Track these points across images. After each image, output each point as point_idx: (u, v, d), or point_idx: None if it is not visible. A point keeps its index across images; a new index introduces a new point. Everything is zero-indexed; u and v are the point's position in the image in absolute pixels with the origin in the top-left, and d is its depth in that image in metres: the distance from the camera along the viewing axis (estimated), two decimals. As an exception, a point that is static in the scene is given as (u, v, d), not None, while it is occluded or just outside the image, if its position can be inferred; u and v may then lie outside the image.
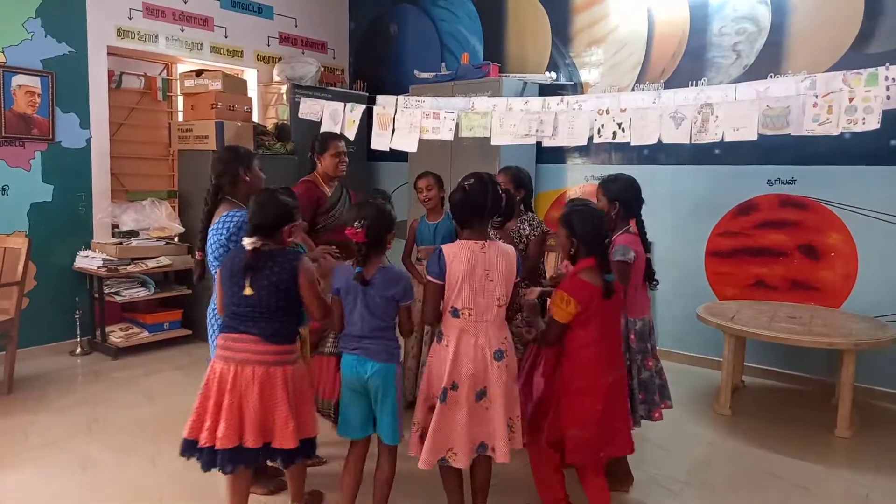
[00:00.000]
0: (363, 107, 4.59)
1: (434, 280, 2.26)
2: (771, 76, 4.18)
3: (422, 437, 2.26)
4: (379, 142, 4.50)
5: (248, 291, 2.23)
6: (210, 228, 2.61)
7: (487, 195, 2.28)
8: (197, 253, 2.73)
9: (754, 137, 3.16)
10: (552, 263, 4.11)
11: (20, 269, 3.86)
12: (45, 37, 4.49)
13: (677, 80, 4.65)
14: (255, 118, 5.67)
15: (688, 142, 3.36)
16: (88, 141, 4.79)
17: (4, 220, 4.37)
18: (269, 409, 2.21)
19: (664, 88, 4.33)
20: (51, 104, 4.53)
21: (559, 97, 3.97)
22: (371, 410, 2.34)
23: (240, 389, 2.20)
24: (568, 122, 3.76)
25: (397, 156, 5.07)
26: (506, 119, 3.99)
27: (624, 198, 2.78)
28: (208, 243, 2.61)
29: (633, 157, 4.94)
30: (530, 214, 3.28)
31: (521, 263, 2.39)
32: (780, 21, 4.29)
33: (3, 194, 4.38)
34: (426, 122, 4.28)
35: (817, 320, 3.73)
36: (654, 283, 2.88)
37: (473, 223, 2.28)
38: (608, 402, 2.31)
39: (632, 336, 2.74)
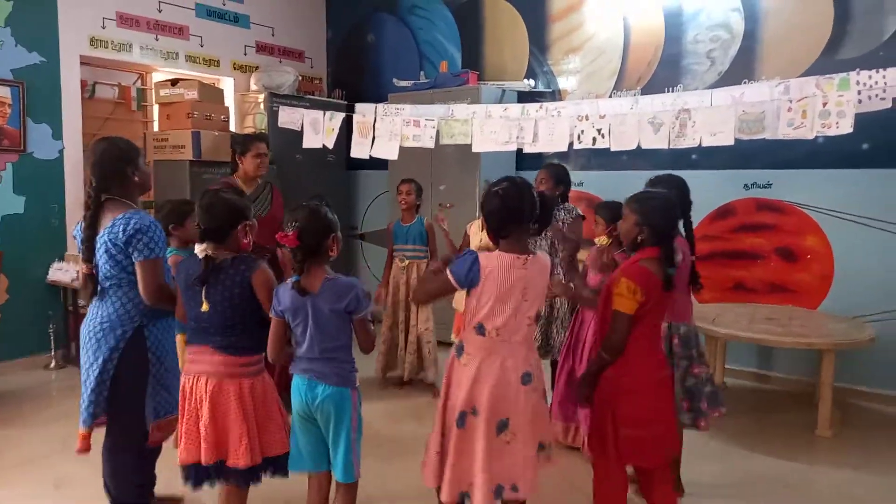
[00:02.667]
0: (342, 115, 4.58)
1: (453, 280, 2.01)
2: (745, 82, 4.24)
3: (439, 465, 2.06)
4: (359, 150, 4.48)
5: (204, 307, 2.10)
6: (99, 235, 2.22)
7: (524, 200, 2.02)
8: (83, 266, 2.28)
9: (731, 142, 3.21)
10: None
11: (-9, 283, 3.75)
12: (16, 46, 4.40)
13: (654, 87, 4.70)
14: (232, 127, 5.62)
15: (666, 147, 3.40)
16: (61, 152, 4.70)
17: (-26, 233, 4.27)
18: (221, 425, 2.10)
19: (641, 95, 4.37)
20: (22, 115, 4.44)
21: (538, 104, 3.99)
22: (322, 440, 2.13)
23: (195, 402, 2.13)
24: (548, 129, 3.78)
25: (377, 164, 5.06)
26: (486, 126, 4.01)
27: (656, 223, 2.58)
28: (98, 252, 2.23)
29: (613, 163, 4.97)
30: (567, 204, 3.57)
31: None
32: (752, 28, 4.37)
33: (-28, 207, 4.28)
34: (407, 130, 4.27)
35: (796, 321, 3.78)
36: (699, 286, 2.71)
37: (511, 232, 2.03)
38: (661, 400, 2.20)
39: (675, 340, 2.60)
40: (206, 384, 2.11)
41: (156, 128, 5.31)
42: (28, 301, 4.57)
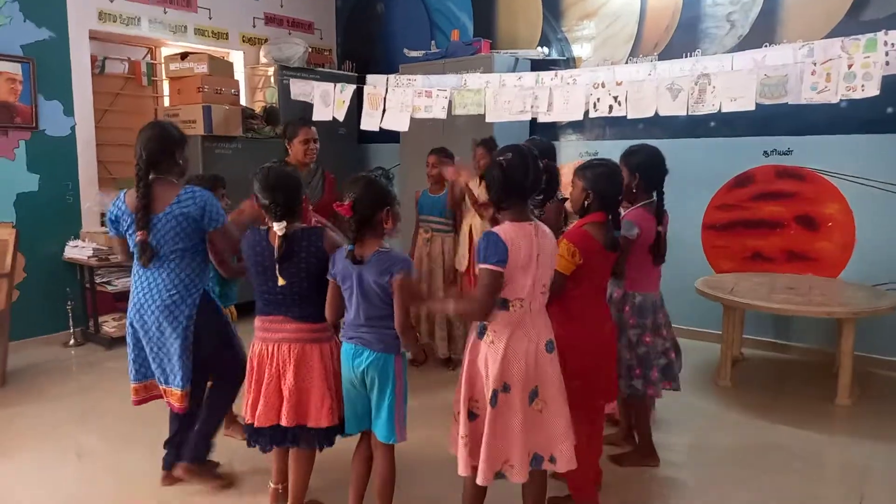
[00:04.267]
0: (353, 87, 4.51)
1: (494, 268, 1.93)
2: (766, 46, 4.13)
3: (470, 452, 2.02)
4: (369, 122, 4.42)
5: (281, 282, 2.20)
6: (164, 211, 2.39)
7: (528, 170, 1.98)
8: (139, 234, 2.39)
9: (752, 107, 3.12)
10: None
11: (8, 260, 3.79)
12: (24, 21, 4.37)
13: (671, 52, 4.59)
14: (242, 101, 5.58)
15: (685, 114, 3.32)
16: (73, 128, 4.69)
17: (-10, 211, 4.29)
18: (305, 388, 2.22)
19: (658, 61, 4.27)
20: (33, 91, 4.42)
21: (553, 72, 3.91)
22: (369, 405, 2.20)
23: (277, 367, 2.23)
24: (563, 97, 3.70)
25: (389, 137, 5.01)
26: (500, 96, 3.93)
27: (645, 170, 2.71)
28: (160, 224, 2.39)
29: (628, 132, 4.88)
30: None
31: None
32: (774, -11, 4.23)
33: (-13, 185, 4.29)
34: (418, 101, 4.21)
35: (816, 290, 3.72)
36: (660, 259, 2.74)
37: (513, 203, 2.01)
38: (602, 355, 2.35)
39: (626, 308, 2.72)
40: (290, 350, 2.22)
41: (166, 103, 5.28)
42: (45, 279, 4.61)
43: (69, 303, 4.65)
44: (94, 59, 4.93)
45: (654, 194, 2.73)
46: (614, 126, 4.93)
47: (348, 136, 5.98)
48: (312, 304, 2.24)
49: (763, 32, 4.26)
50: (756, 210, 4.44)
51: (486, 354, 2.01)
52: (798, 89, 3.01)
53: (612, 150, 4.89)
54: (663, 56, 4.60)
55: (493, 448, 1.99)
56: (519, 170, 1.98)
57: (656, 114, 3.41)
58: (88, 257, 4.53)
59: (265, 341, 2.27)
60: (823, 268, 4.22)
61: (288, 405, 2.19)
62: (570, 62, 5.12)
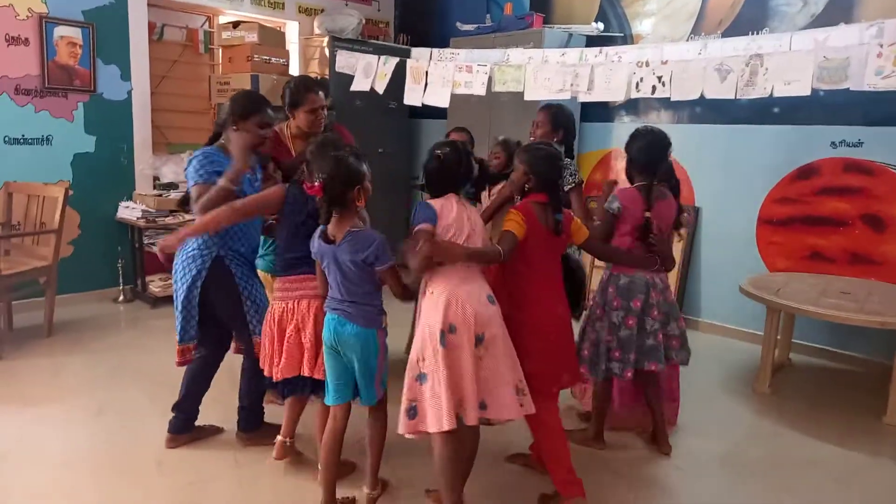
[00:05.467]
0: (396, 60, 4.43)
1: (424, 226, 2.09)
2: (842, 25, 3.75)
3: (410, 414, 2.08)
4: (411, 96, 4.33)
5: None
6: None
7: (461, 166, 2.19)
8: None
9: (807, 92, 2.82)
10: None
11: (57, 217, 3.97)
12: (85, -13, 4.53)
13: (737, 30, 4.25)
14: (297, 71, 5.62)
15: (733, 97, 3.05)
16: (130, 93, 4.85)
17: (49, 170, 4.50)
18: (319, 341, 2.28)
19: (711, 40, 3.97)
20: (92, 55, 4.59)
21: (598, 49, 3.69)
22: (351, 375, 2.23)
23: (297, 322, 2.32)
24: (605, 76, 3.49)
25: (439, 112, 4.92)
26: (540, 73, 3.75)
27: (641, 154, 2.71)
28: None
29: (685, 116, 4.61)
30: (566, 160, 3.14)
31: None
32: (856, -38, 3.83)
33: (47, 144, 4.50)
34: (458, 76, 4.08)
35: (874, 297, 3.40)
36: (646, 243, 2.66)
37: (447, 192, 2.19)
38: (559, 335, 2.34)
39: (611, 289, 2.70)
40: (309, 305, 2.31)
41: (220, 71, 5.37)
42: (99, 237, 4.83)
43: (120, 261, 4.86)
44: (152, 26, 5.06)
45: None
46: (671, 108, 4.66)
47: (399, 110, 5.92)
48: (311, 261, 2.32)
49: (839, 11, 3.88)
50: (818, 205, 4.09)
51: (430, 306, 2.10)
52: (861, 74, 2.69)
53: (674, 136, 4.65)
54: (727, 35, 4.27)
55: (451, 386, 2.03)
56: (454, 162, 2.17)
57: (702, 96, 3.16)
58: (137, 218, 4.70)
59: (285, 299, 2.35)
60: (888, 273, 3.85)
61: (309, 355, 2.30)
62: (627, 39, 4.85)
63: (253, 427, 2.78)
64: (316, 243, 2.19)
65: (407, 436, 2.10)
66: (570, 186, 3.04)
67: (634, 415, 3.00)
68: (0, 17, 4.20)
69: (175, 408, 2.76)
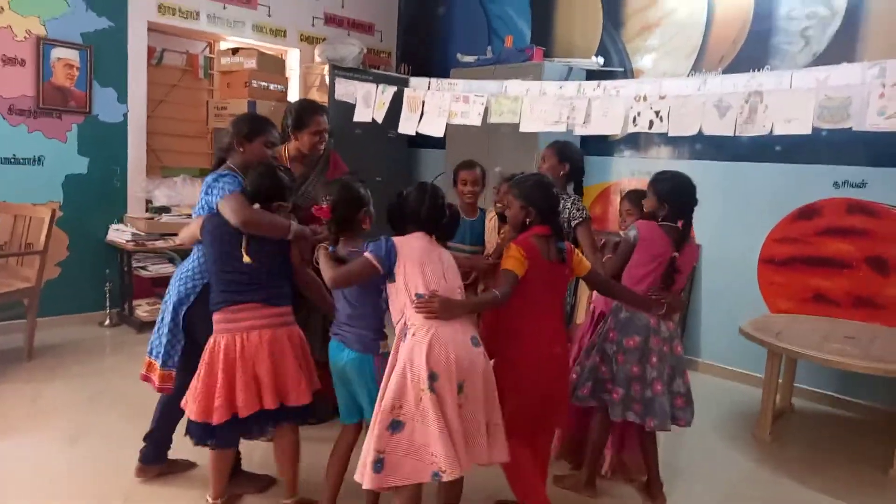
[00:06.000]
0: (394, 89, 4.40)
1: (371, 259, 2.05)
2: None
3: (375, 467, 1.90)
4: (406, 125, 4.29)
5: (246, 260, 2.22)
6: None
7: (423, 204, 2.14)
8: None
9: (808, 130, 2.76)
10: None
11: (42, 238, 3.89)
12: (86, 10, 4.52)
13: (738, 67, 4.21)
14: (296, 98, 5.60)
15: (732, 133, 2.98)
16: (125, 115, 4.82)
17: (40, 191, 4.44)
18: (281, 371, 2.23)
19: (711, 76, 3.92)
20: (89, 77, 4.57)
21: (596, 82, 3.64)
22: (355, 397, 2.24)
23: (250, 356, 2.21)
24: (602, 109, 3.43)
25: (438, 142, 4.89)
26: (537, 104, 3.71)
27: (675, 199, 2.59)
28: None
29: (686, 152, 4.54)
30: (571, 191, 3.11)
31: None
32: (856, 3, 3.79)
33: (38, 165, 4.45)
34: (455, 107, 4.04)
35: (879, 342, 3.28)
36: (669, 285, 2.52)
37: (404, 229, 2.17)
38: (551, 378, 2.25)
39: (610, 320, 2.60)
40: (260, 336, 2.22)
41: (218, 96, 5.36)
42: (87, 259, 4.75)
43: (108, 284, 4.77)
44: (152, 51, 5.06)
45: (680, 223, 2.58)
46: (671, 144, 4.60)
47: (398, 139, 5.87)
48: (278, 286, 2.30)
49: (841, 50, 3.83)
50: (821, 246, 3.99)
51: (411, 348, 1.97)
52: (863, 114, 2.62)
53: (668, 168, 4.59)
54: (728, 72, 4.23)
55: (447, 435, 1.89)
56: (416, 201, 2.14)
57: (700, 132, 3.10)
58: (126, 241, 4.63)
59: (230, 332, 2.23)
60: (894, 317, 3.73)
61: (269, 388, 2.21)
62: (627, 74, 4.82)
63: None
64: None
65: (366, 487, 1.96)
66: (577, 222, 2.96)
67: (630, 461, 2.85)
68: (-2, 37, 4.19)
69: (147, 437, 2.64)
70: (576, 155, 3.22)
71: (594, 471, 2.70)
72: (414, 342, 1.97)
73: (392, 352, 2.04)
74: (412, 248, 2.08)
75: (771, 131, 2.88)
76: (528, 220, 2.28)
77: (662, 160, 4.62)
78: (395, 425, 1.92)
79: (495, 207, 3.19)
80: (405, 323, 2.03)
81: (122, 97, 4.79)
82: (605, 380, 2.56)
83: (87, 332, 4.62)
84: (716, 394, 4.09)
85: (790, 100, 2.83)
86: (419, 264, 2.05)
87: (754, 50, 4.20)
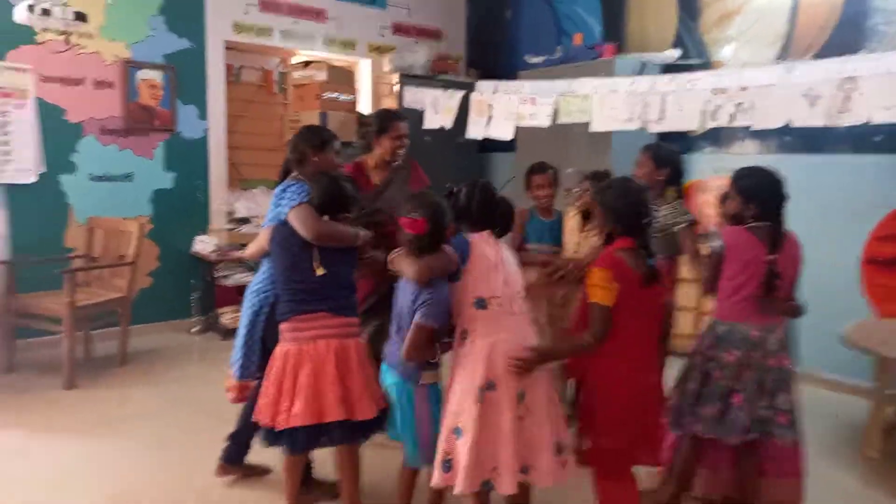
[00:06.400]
0: (461, 94, 4.38)
1: (452, 253, 2.05)
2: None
3: (445, 467, 1.95)
4: (474, 130, 4.26)
5: (319, 272, 2.21)
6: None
7: (473, 199, 2.11)
8: None
9: (911, 117, 2.51)
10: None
11: (131, 250, 4.11)
12: (167, 33, 4.76)
13: (828, 54, 3.89)
14: (369, 108, 5.69)
15: (823, 124, 2.76)
16: (206, 131, 5.03)
17: (130, 205, 4.69)
18: (347, 382, 2.19)
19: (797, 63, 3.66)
20: (172, 96, 4.80)
21: (670, 76, 3.47)
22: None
23: (315, 365, 2.18)
24: (677, 104, 3.27)
25: (506, 146, 4.86)
26: (607, 102, 3.58)
27: (761, 197, 2.34)
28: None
29: (773, 146, 4.26)
30: (671, 196, 2.93)
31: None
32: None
33: (128, 181, 4.72)
34: (523, 109, 3.97)
35: None
36: (773, 288, 2.29)
37: (461, 230, 2.14)
38: (643, 408, 2.06)
39: (708, 337, 2.34)
40: (328, 345, 2.19)
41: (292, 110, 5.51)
42: (175, 269, 4.98)
43: (194, 293, 4.99)
44: (230, 68, 5.27)
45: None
46: (758, 138, 4.32)
47: (467, 145, 5.84)
48: (346, 297, 2.28)
49: (949, 27, 3.49)
50: (930, 244, 3.64)
51: (468, 355, 1.96)
52: (976, 95, 2.37)
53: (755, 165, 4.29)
54: (818, 59, 3.93)
55: (480, 451, 1.86)
56: (467, 198, 2.10)
57: (788, 125, 2.88)
58: (210, 252, 4.83)
59: (297, 341, 2.22)
60: None
61: (335, 398, 2.17)
62: (707, 66, 4.58)
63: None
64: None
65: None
66: (682, 226, 2.84)
67: (721, 480, 2.55)
68: (89, 63, 4.47)
69: (230, 437, 2.71)
70: (673, 157, 3.03)
71: (681, 490, 2.47)
72: (471, 349, 1.96)
73: (452, 354, 2.04)
74: (483, 250, 2.04)
75: (868, 121, 2.65)
76: (612, 229, 2.10)
77: (748, 156, 4.36)
78: (457, 431, 1.93)
79: (576, 207, 3.19)
80: (465, 328, 2.01)
81: (203, 114, 5.00)
82: (696, 402, 2.33)
83: (176, 338, 4.84)
84: (819, 407, 3.76)
85: (889, 85, 2.59)
86: (485, 269, 2.01)
87: (847, 34, 3.88)
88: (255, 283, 2.55)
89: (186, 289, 4.99)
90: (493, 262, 2.02)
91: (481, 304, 1.98)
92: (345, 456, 2.33)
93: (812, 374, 4.13)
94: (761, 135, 4.24)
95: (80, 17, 3.73)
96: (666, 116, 3.31)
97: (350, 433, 2.22)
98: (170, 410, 3.50)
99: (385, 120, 3.11)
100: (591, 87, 3.78)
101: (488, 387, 1.90)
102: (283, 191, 2.41)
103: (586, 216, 3.11)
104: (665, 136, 4.53)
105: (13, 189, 4.22)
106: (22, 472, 2.80)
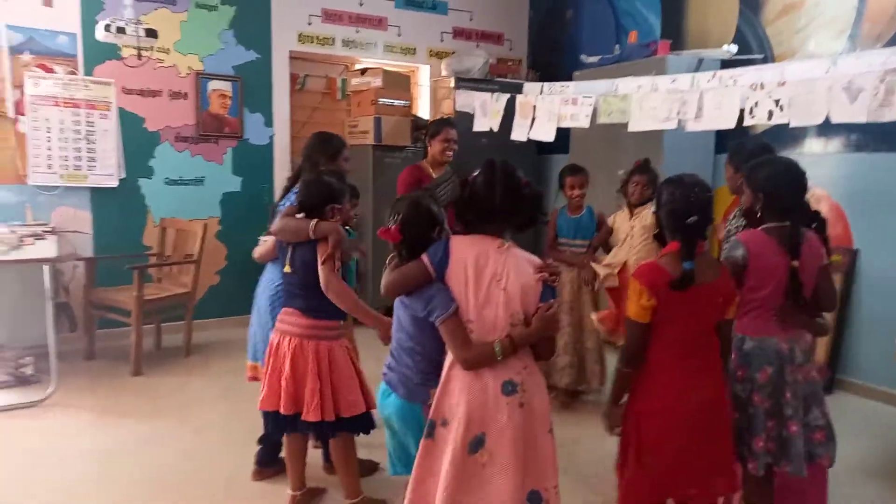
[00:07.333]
0: (507, 96, 4.42)
1: (426, 261, 1.75)
2: None
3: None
4: (518, 132, 4.29)
5: (286, 269, 2.34)
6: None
7: (495, 189, 1.74)
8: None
9: (958, 110, 2.31)
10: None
11: (196, 249, 4.43)
12: (236, 46, 5.09)
13: (901, 43, 3.63)
14: (425, 114, 5.82)
15: (864, 120, 2.59)
16: (272, 138, 5.33)
17: (201, 207, 5.06)
18: (300, 381, 2.29)
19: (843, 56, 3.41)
20: (240, 105, 5.13)
21: (711, 72, 3.36)
22: (406, 448, 1.97)
23: (281, 358, 2.33)
24: (715, 102, 3.15)
25: (565, 148, 5.08)
26: (646, 102, 3.50)
27: (772, 188, 2.12)
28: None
29: (839, 144, 4.00)
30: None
31: None
32: None
33: (200, 185, 5.09)
34: (564, 109, 3.95)
35: None
36: (800, 304, 2.08)
37: (476, 226, 1.79)
38: (691, 429, 1.87)
39: (734, 355, 2.12)
40: (290, 343, 2.32)
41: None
42: (241, 268, 5.28)
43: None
44: (295, 77, 5.55)
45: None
46: (824, 135, 4.05)
47: (526, 147, 5.82)
48: (320, 298, 2.26)
49: None
50: None
51: (443, 379, 1.75)
52: None
53: (825, 166, 4.00)
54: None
55: (419, 492, 1.71)
56: (485, 187, 1.76)
57: (827, 120, 2.72)
58: (271, 252, 5.10)
59: (278, 331, 2.38)
60: None
61: (285, 395, 2.31)
62: (768, 60, 4.35)
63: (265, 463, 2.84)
64: None
65: None
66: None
67: None
68: (166, 75, 4.87)
69: (261, 440, 2.83)
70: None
71: None
72: (446, 373, 1.76)
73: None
74: (464, 256, 1.73)
75: (912, 114, 2.46)
76: (664, 234, 1.96)
77: (806, 156, 4.10)
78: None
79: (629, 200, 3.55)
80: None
81: (269, 121, 5.30)
82: (742, 429, 2.10)
83: (238, 333, 5.07)
84: (875, 422, 3.54)
85: (936, 75, 2.40)
86: (463, 281, 1.71)
87: (920, 21, 3.59)
88: (264, 282, 2.83)
89: (251, 286, 5.27)
90: (473, 273, 1.71)
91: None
92: (336, 452, 2.46)
93: (875, 387, 3.86)
94: (829, 130, 3.96)
95: (151, 33, 4.07)
96: (703, 115, 3.21)
97: (324, 428, 2.31)
98: (221, 398, 3.76)
99: (436, 125, 3.83)
100: (633, 86, 3.72)
101: (442, 422, 1.70)
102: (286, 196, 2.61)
103: (633, 206, 3.54)
104: (728, 134, 4.34)
105: (97, 192, 4.67)
106: (79, 448, 3.10)
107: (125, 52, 4.66)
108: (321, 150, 2.75)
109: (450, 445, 1.66)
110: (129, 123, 4.76)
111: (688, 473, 1.89)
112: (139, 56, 4.44)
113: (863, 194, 3.86)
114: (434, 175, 3.75)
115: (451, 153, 3.75)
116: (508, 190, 1.75)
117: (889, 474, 2.96)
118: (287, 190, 2.78)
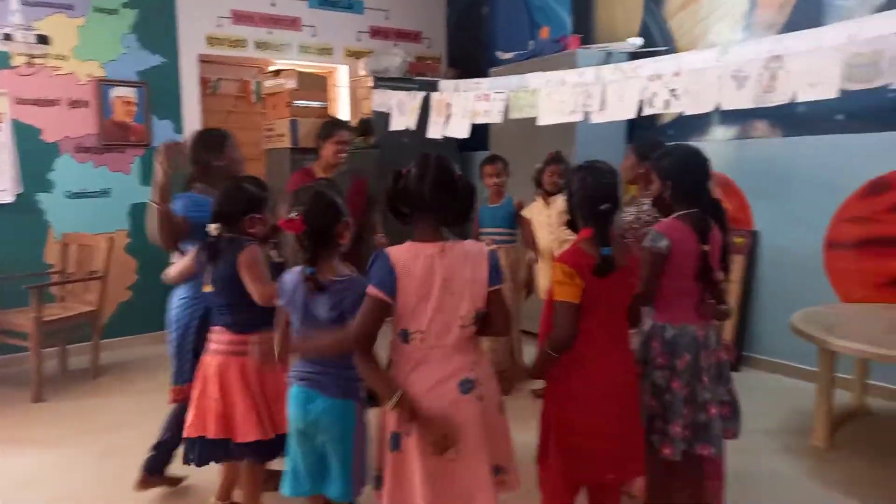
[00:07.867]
0: (423, 94, 4.40)
1: (378, 294, 1.67)
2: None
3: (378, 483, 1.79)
4: (434, 129, 4.28)
5: (206, 289, 2.20)
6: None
7: (426, 180, 1.67)
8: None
9: (834, 94, 2.43)
10: None
11: (100, 265, 4.21)
12: (140, 50, 4.87)
13: (793, 29, 3.78)
14: (348, 114, 5.74)
15: (751, 106, 2.69)
16: (183, 145, 5.13)
17: (108, 220, 4.80)
18: (229, 402, 2.16)
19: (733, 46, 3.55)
20: (146, 112, 4.91)
21: (613, 65, 3.42)
22: (319, 461, 1.92)
23: (202, 380, 2.21)
24: (617, 94, 3.22)
25: (485, 144, 5.11)
26: (555, 96, 3.54)
27: (678, 175, 2.18)
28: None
29: (737, 130, 4.15)
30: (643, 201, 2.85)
31: None
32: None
33: (106, 196, 4.84)
34: (478, 106, 3.97)
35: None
36: (710, 286, 2.13)
37: (409, 218, 1.74)
38: (619, 407, 1.90)
39: (654, 343, 2.14)
40: (215, 362, 2.19)
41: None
42: (154, 282, 5.01)
43: (176, 304, 5.07)
44: (207, 81, 5.36)
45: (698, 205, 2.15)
46: (725, 123, 4.20)
47: (447, 144, 5.82)
48: (245, 312, 2.15)
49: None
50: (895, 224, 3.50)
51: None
52: (894, 69, 2.27)
53: (728, 152, 4.16)
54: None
55: (395, 501, 1.72)
56: (416, 181, 1.69)
57: (718, 108, 2.81)
58: (188, 263, 4.91)
59: (206, 351, 2.25)
60: None
61: (213, 416, 2.18)
62: (671, 51, 4.48)
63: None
64: (289, 291, 1.91)
65: None
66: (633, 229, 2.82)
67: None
68: (63, 83, 4.61)
69: (156, 447, 2.73)
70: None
71: None
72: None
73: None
74: (413, 274, 1.67)
75: (794, 98, 2.57)
76: (574, 218, 1.99)
77: (709, 142, 4.25)
78: (377, 480, 1.79)
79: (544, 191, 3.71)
80: (391, 356, 1.78)
81: (179, 127, 5.10)
82: (655, 416, 2.13)
83: (153, 350, 4.91)
84: (774, 395, 3.70)
85: (813, 62, 2.52)
86: (414, 293, 1.68)
87: (811, 7, 3.75)
88: (180, 295, 2.61)
89: (165, 301, 5.06)
90: (421, 285, 1.67)
91: (404, 336, 1.72)
92: (244, 472, 2.32)
93: (776, 360, 4.04)
94: (730, 117, 4.09)
95: (43, 39, 3.84)
96: (607, 106, 3.27)
97: (255, 451, 2.18)
98: (133, 421, 3.56)
99: (327, 128, 3.52)
100: (541, 80, 3.76)
101: (407, 432, 1.69)
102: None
103: (549, 194, 3.69)
104: (639, 124, 4.45)
105: (-9, 209, 4.38)
106: (-26, 481, 2.89)
107: (16, 61, 4.39)
108: (205, 148, 2.62)
109: (418, 452, 1.67)
110: (25, 135, 4.48)
111: (606, 457, 1.91)
112: (31, 63, 4.18)
113: (762, 178, 4.03)
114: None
115: (343, 156, 3.48)
116: (441, 183, 1.69)
117: (792, 442, 3.09)
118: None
